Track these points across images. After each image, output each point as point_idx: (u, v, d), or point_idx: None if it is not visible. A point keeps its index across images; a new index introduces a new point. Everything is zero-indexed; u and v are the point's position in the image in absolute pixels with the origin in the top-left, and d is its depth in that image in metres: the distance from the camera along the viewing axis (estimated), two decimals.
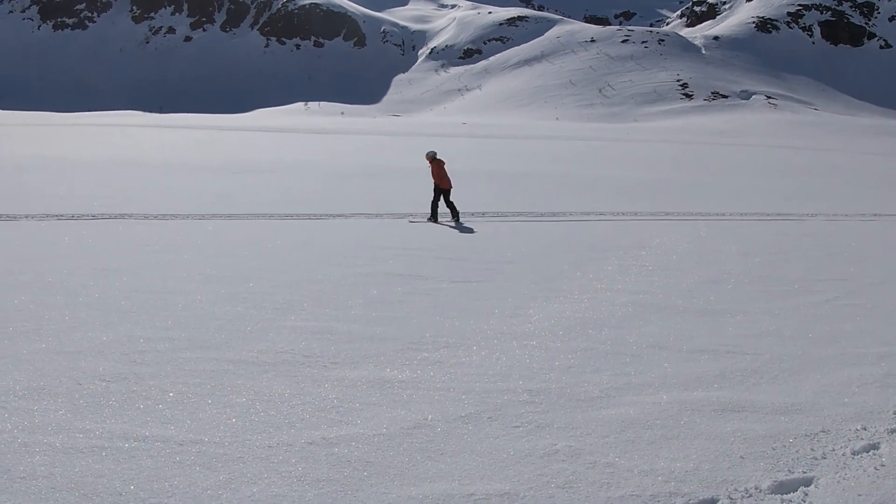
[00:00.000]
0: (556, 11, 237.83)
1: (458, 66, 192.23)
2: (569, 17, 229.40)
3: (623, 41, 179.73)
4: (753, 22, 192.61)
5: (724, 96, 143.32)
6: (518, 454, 5.57)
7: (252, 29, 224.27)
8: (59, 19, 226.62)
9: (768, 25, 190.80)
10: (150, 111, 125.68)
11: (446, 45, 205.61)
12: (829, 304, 10.50)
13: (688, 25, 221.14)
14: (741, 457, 5.62)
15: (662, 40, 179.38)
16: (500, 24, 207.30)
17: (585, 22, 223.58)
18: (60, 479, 4.96)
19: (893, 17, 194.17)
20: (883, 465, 5.57)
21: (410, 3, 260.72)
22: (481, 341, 8.23)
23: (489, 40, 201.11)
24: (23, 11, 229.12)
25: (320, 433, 5.79)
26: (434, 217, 18.20)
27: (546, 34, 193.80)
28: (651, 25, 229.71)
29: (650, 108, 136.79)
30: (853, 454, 5.74)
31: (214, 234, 15.25)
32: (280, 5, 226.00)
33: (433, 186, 18.45)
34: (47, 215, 16.70)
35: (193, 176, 26.91)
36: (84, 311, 8.80)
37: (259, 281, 10.83)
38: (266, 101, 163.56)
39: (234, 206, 19.18)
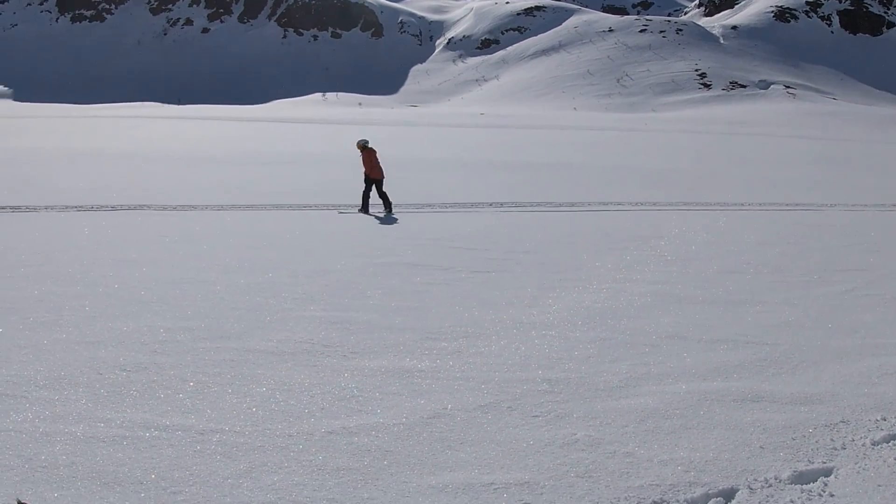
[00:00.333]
0: (573, 1, 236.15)
1: (475, 56, 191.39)
2: (586, 6, 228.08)
3: (641, 31, 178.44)
4: (772, 11, 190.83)
5: (743, 86, 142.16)
6: (537, 444, 5.57)
7: (269, 20, 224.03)
8: (76, 11, 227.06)
9: (787, 14, 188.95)
10: (169, 103, 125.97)
11: (464, 36, 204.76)
12: (849, 295, 10.44)
13: (706, 15, 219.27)
14: (760, 447, 5.61)
15: (680, 30, 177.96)
16: (518, 14, 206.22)
17: (603, 12, 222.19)
18: (82, 467, 5.00)
19: None
20: None
21: None
22: (500, 331, 8.24)
23: (507, 30, 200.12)
24: (41, 4, 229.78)
25: (340, 422, 5.81)
26: (365, 208, 17.85)
27: (564, 24, 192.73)
28: (669, 15, 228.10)
29: (668, 98, 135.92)
30: (873, 444, 5.72)
31: (233, 225, 15.32)
32: None
33: (363, 176, 18.14)
34: (67, 207, 16.82)
35: (213, 167, 27.00)
36: (104, 302, 8.86)
37: (278, 271, 10.88)
38: (284, 92, 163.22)
39: (253, 197, 19.26)
